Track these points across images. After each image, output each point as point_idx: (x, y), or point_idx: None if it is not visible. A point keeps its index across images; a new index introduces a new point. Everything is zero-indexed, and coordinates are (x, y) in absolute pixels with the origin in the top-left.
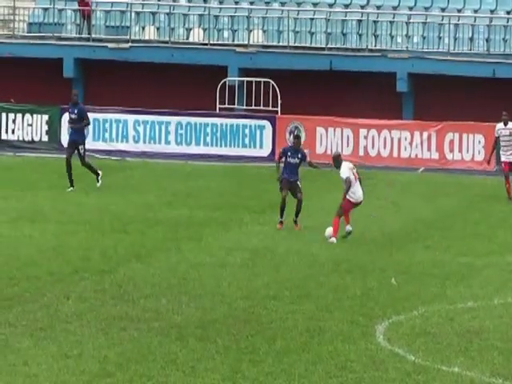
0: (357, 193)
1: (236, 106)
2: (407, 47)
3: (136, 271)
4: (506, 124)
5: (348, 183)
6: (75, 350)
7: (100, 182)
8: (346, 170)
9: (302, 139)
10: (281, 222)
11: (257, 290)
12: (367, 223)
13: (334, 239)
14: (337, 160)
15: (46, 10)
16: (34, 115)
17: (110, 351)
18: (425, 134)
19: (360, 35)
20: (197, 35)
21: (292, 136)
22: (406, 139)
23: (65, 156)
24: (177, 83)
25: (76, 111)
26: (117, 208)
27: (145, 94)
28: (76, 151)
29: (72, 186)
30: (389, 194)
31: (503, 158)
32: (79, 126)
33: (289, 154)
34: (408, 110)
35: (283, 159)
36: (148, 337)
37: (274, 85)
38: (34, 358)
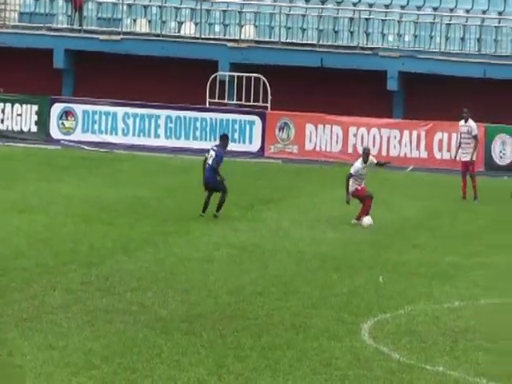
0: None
1: (226, 101)
2: (398, 46)
3: (123, 264)
4: (466, 121)
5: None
6: (61, 341)
7: None
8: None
9: (292, 136)
10: None
11: (243, 286)
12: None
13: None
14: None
15: (37, 0)
16: (24, 105)
17: (95, 343)
18: (414, 133)
19: (351, 33)
20: (188, 29)
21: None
22: (395, 138)
23: (54, 147)
24: (167, 77)
25: None
26: (105, 201)
27: (135, 87)
28: None
29: None
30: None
31: (459, 157)
32: None
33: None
34: (398, 109)
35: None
36: (133, 330)
37: (265, 80)
38: (18, 349)
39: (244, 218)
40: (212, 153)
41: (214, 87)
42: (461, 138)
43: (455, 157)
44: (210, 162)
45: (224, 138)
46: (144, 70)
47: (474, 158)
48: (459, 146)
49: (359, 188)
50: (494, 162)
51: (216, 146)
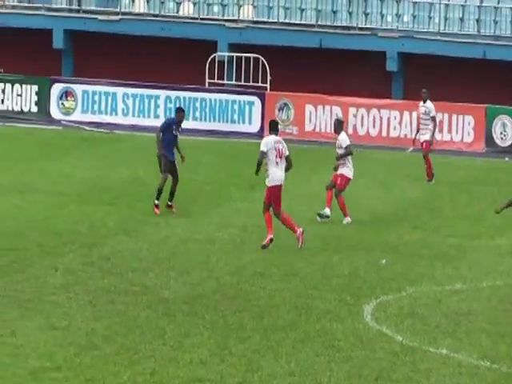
0: (352, 169)
1: (225, 82)
2: (397, 26)
3: (124, 244)
4: (424, 102)
5: (348, 151)
6: (62, 321)
7: None
8: (347, 138)
9: (291, 116)
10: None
11: (245, 267)
12: (354, 203)
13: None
14: (340, 125)
15: None
16: (24, 86)
17: (97, 324)
18: (414, 114)
19: (350, 13)
20: (187, 9)
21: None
22: (395, 118)
23: (54, 127)
24: (166, 57)
25: None
26: (106, 181)
27: (134, 67)
28: None
29: None
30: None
31: (418, 137)
32: None
33: None
34: (397, 90)
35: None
36: (135, 310)
37: (264, 61)
38: (20, 329)
39: (245, 198)
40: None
41: (212, 67)
42: (420, 118)
43: (415, 137)
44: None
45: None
46: (143, 51)
47: (431, 139)
48: (418, 128)
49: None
50: (494, 143)
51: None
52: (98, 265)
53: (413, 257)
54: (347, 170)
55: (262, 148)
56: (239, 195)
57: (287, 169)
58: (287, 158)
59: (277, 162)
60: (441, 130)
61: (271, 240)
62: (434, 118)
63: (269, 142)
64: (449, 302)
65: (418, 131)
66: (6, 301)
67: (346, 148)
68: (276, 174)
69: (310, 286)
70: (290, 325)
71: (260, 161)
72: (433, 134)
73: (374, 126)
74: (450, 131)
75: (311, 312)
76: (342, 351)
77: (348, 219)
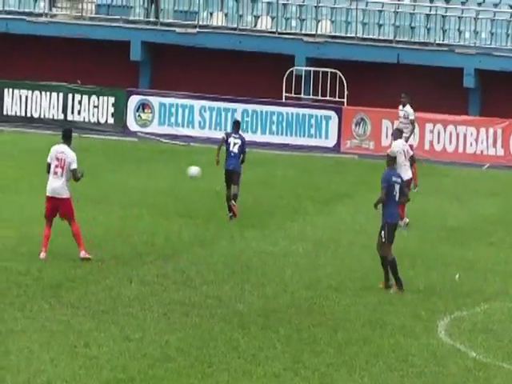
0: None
1: (302, 96)
2: (475, 43)
3: (199, 257)
4: (403, 106)
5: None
6: (137, 333)
7: None
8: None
9: (368, 131)
10: None
11: (319, 281)
12: (431, 218)
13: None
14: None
15: None
16: (101, 97)
17: (171, 336)
18: (491, 131)
19: (428, 29)
20: (264, 23)
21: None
22: (471, 135)
23: (130, 139)
24: (243, 70)
25: None
26: (181, 193)
27: (211, 80)
28: None
29: None
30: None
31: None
32: None
33: None
34: (474, 106)
35: None
36: (210, 323)
37: (341, 75)
38: (95, 340)
39: (320, 212)
40: (235, 140)
41: (289, 82)
42: (399, 122)
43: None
44: (235, 150)
45: (238, 124)
46: (220, 64)
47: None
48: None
49: None
50: None
51: (233, 133)
52: (172, 277)
53: (488, 273)
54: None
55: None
56: (315, 209)
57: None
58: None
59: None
60: None
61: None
62: (412, 122)
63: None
64: None
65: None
66: (80, 312)
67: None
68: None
69: (384, 301)
70: (364, 339)
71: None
72: (409, 136)
73: (450, 143)
74: None
75: (385, 327)
76: (416, 366)
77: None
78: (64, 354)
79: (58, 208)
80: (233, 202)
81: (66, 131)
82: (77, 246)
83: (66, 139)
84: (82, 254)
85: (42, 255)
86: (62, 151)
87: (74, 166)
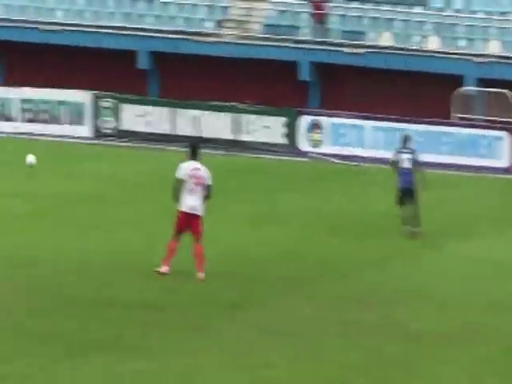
0: None
1: (473, 116)
2: None
3: (375, 277)
4: None
5: None
6: (311, 353)
7: None
8: None
9: None
10: None
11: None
12: None
13: None
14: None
15: (282, 12)
16: (271, 117)
17: (349, 356)
18: None
19: None
20: (432, 43)
21: None
22: None
23: (300, 159)
24: (409, 90)
25: None
26: (355, 213)
27: (378, 100)
28: None
29: None
30: None
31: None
32: None
33: None
34: None
35: None
36: (388, 344)
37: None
38: (273, 361)
39: (496, 234)
40: (405, 155)
41: (457, 102)
42: None
43: None
44: (406, 165)
45: (407, 139)
46: (386, 84)
47: None
48: None
49: None
50: None
51: (404, 148)
52: (348, 297)
53: None
54: None
55: None
56: (490, 230)
57: None
58: None
59: None
60: None
61: None
62: None
63: None
64: None
65: None
66: (256, 331)
67: None
68: None
69: None
70: None
71: None
72: None
73: None
74: None
75: None
76: None
77: None
78: (244, 373)
79: (190, 224)
80: (411, 229)
81: (195, 147)
82: (196, 265)
83: (196, 155)
84: (200, 275)
85: (165, 269)
86: (197, 167)
87: (210, 182)
